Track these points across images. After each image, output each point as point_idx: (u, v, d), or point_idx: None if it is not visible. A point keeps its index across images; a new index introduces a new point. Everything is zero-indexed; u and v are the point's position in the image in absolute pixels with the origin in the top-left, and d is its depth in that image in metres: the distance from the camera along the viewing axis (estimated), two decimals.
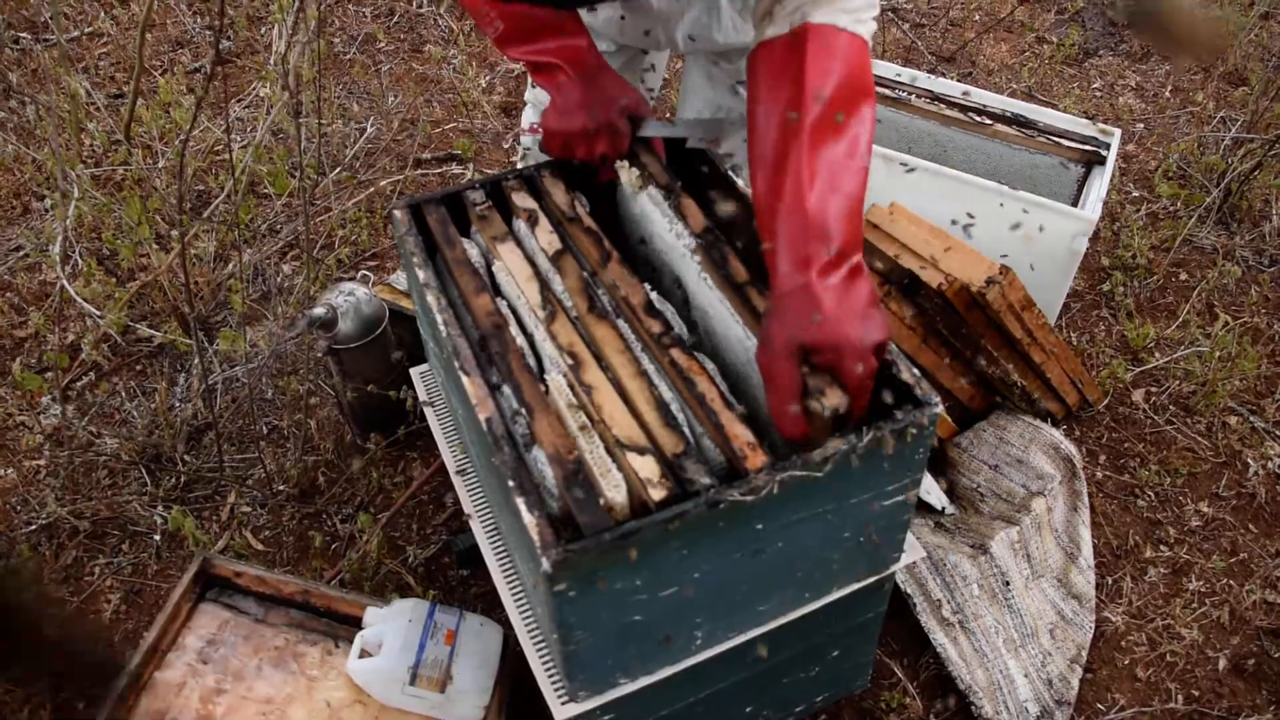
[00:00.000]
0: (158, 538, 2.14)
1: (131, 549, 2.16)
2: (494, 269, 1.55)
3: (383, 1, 3.87)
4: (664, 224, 1.55)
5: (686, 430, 1.31)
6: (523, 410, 1.32)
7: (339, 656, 1.79)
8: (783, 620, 1.49)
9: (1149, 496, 2.33)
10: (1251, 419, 2.49)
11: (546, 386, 1.36)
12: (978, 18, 3.94)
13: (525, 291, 1.48)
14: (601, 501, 1.22)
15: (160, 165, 2.75)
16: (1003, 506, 2.16)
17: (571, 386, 1.36)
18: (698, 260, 1.49)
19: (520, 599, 1.57)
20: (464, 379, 1.35)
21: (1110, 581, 2.16)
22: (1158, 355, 2.61)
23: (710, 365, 1.38)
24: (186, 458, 2.25)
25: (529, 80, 2.07)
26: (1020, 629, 2.01)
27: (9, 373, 2.52)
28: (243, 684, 1.73)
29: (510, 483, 1.23)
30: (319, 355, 2.10)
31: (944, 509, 2.17)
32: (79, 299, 2.15)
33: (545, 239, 1.56)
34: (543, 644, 1.48)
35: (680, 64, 3.22)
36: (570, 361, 1.38)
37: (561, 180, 1.65)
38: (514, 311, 1.49)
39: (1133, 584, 2.16)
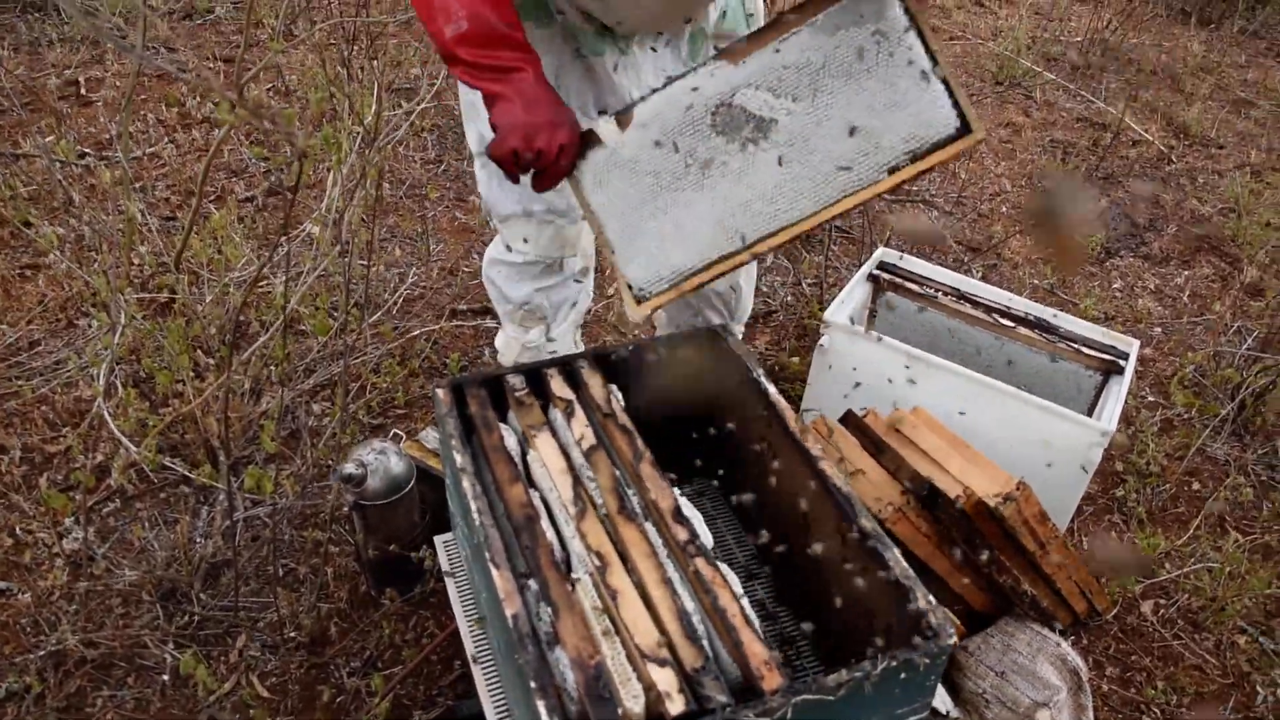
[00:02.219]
0: (165, 676, 2.15)
1: (137, 683, 2.17)
2: (529, 458, 1.60)
3: (432, 150, 4.03)
4: (679, 87, 1.68)
5: (706, 643, 1.34)
6: (548, 608, 1.36)
7: None
8: None
9: (1154, 713, 2.32)
10: (1260, 640, 2.49)
11: (573, 585, 1.40)
12: (1005, 209, 4.07)
13: (559, 485, 1.53)
14: (620, 711, 1.24)
15: (208, 298, 2.84)
16: (1007, 715, 2.16)
17: (597, 588, 1.40)
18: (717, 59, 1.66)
19: None
20: (493, 571, 1.39)
21: None
22: (1168, 567, 2.63)
23: (732, 577, 1.42)
24: (202, 596, 2.27)
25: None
26: None
27: (35, 487, 2.56)
28: None
29: (532, 684, 1.25)
30: (344, 509, 2.14)
31: (948, 713, 2.16)
32: (117, 432, 2.20)
33: (580, 431, 1.62)
34: None
35: None
36: (598, 563, 1.42)
37: (600, 372, 1.72)
38: (546, 503, 1.54)
39: None
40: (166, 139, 4.04)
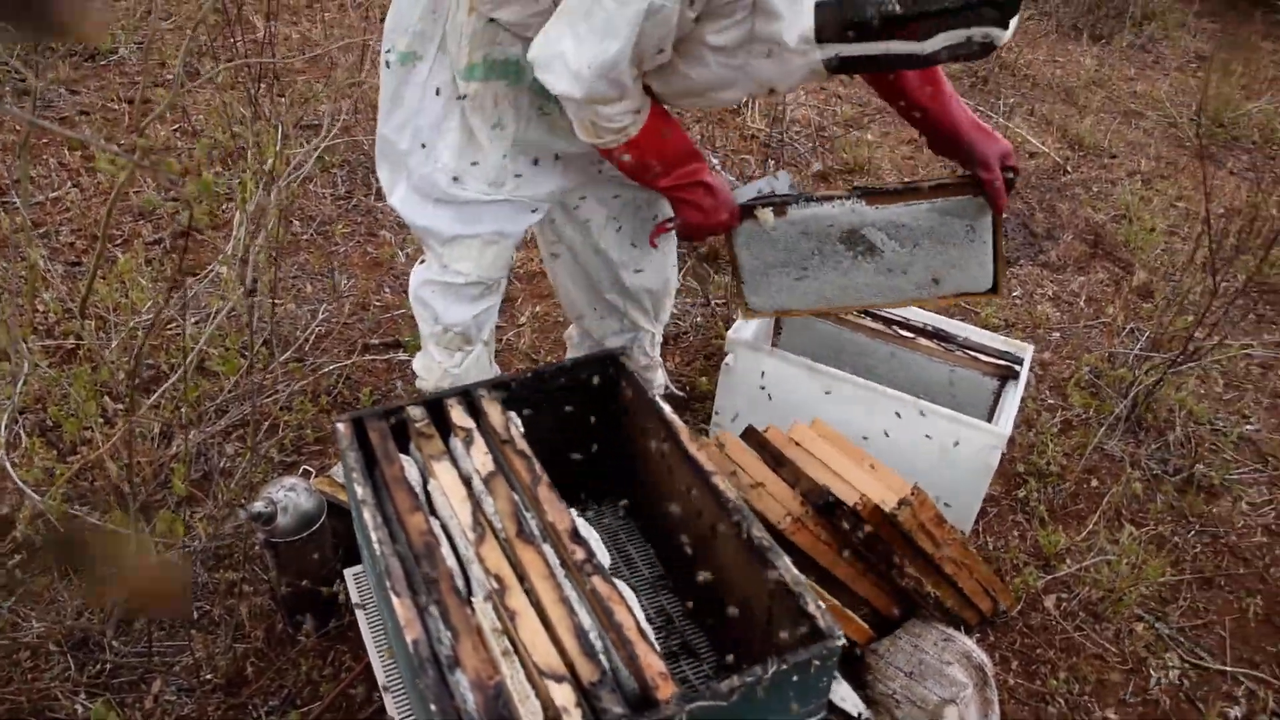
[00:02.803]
0: None
1: None
2: (430, 487, 1.63)
3: (342, 185, 4.04)
4: (827, 208, 2.34)
5: (603, 658, 1.38)
6: (448, 632, 1.39)
7: None
8: None
9: (1059, 703, 2.40)
10: (1157, 625, 2.60)
11: (473, 609, 1.43)
12: None
13: (458, 512, 1.57)
14: None
15: (114, 344, 2.82)
16: (916, 713, 2.22)
17: (496, 610, 1.43)
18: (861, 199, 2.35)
19: None
20: (394, 599, 1.41)
21: None
22: (1069, 562, 2.73)
23: (629, 594, 1.46)
24: (115, 643, 2.26)
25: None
26: None
27: None
28: None
29: (432, 707, 1.28)
30: (255, 547, 2.14)
31: (860, 715, 2.22)
32: (20, 483, 2.18)
33: (480, 459, 1.65)
34: None
35: None
36: (496, 585, 1.45)
37: (498, 400, 1.76)
38: (446, 531, 1.57)
39: None
40: (70, 183, 4.00)
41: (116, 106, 4.57)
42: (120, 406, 2.81)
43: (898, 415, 2.47)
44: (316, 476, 2.40)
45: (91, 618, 2.28)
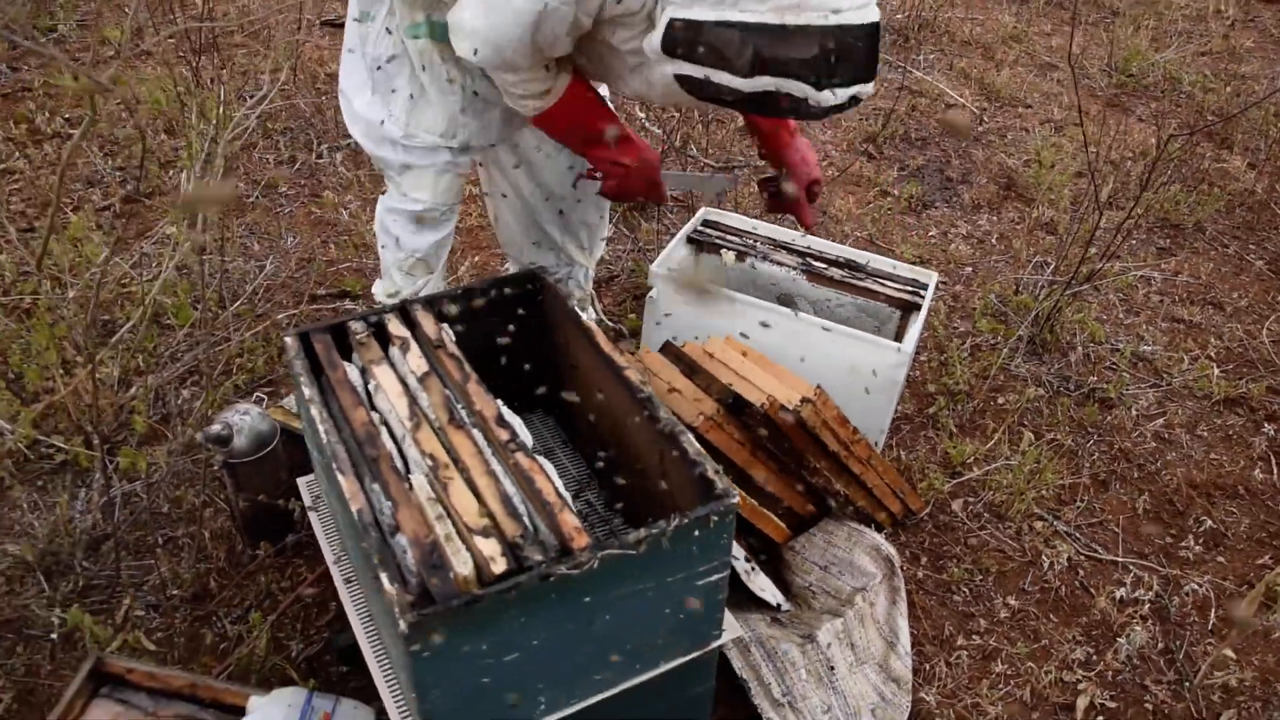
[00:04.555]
0: (55, 636, 2.28)
1: (25, 651, 2.29)
2: (370, 387, 1.81)
3: (285, 150, 4.18)
4: (776, 269, 2.95)
5: (527, 520, 1.57)
6: (389, 503, 1.57)
7: None
8: (617, 689, 1.73)
9: (964, 592, 2.63)
10: (1055, 523, 2.83)
11: (410, 484, 1.61)
12: (831, 172, 4.40)
13: (396, 405, 1.75)
14: (452, 575, 1.46)
15: (70, 296, 2.96)
16: (831, 602, 2.44)
17: (431, 484, 1.61)
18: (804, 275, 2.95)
19: (393, 685, 1.78)
20: (340, 478, 1.60)
21: (927, 667, 2.44)
22: (975, 469, 2.96)
23: (549, 467, 1.65)
24: (85, 564, 2.41)
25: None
26: (844, 709, 2.26)
27: None
28: None
29: (375, 559, 1.47)
30: (214, 470, 2.30)
31: (780, 605, 2.44)
32: None
33: (415, 362, 1.83)
34: (409, 717, 1.69)
35: None
36: (431, 463, 1.64)
37: (432, 313, 1.94)
38: (385, 423, 1.75)
39: (946, 669, 2.44)
40: (18, 155, 4.10)
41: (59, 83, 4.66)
42: (80, 357, 2.95)
43: (807, 338, 2.66)
44: (270, 405, 2.57)
45: (61, 543, 2.43)
